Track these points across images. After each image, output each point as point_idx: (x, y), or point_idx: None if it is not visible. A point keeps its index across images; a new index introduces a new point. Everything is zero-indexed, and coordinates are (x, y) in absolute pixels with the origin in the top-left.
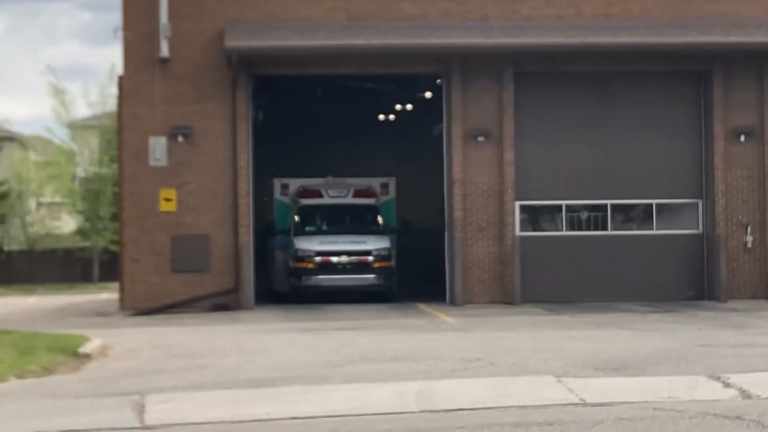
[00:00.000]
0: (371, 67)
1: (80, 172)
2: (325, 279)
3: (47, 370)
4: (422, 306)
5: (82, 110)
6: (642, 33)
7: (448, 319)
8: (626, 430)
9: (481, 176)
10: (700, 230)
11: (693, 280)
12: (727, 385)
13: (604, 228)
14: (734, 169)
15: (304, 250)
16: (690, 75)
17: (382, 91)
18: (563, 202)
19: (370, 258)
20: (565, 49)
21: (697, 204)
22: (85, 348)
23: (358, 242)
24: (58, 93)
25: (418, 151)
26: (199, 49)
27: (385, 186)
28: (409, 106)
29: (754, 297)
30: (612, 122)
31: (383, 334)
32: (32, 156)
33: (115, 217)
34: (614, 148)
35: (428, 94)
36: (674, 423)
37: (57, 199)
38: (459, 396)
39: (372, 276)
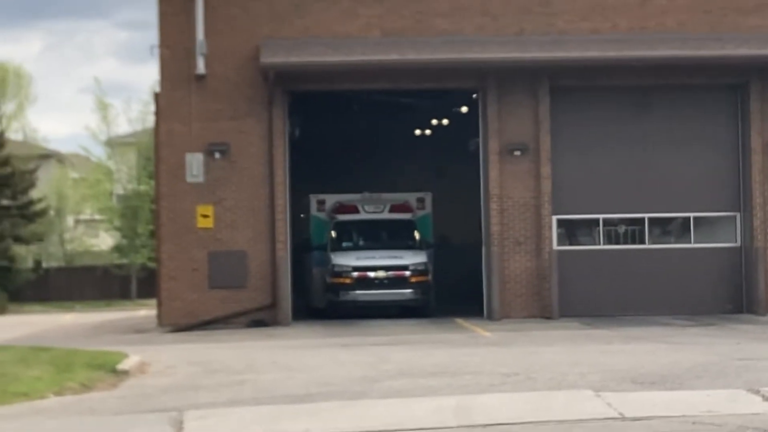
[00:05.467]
0: (406, 82)
1: (118, 189)
2: (362, 294)
3: (86, 387)
4: (460, 321)
5: (122, 127)
6: (678, 46)
7: (486, 334)
8: None
9: (518, 190)
10: (738, 243)
11: (731, 293)
12: (766, 398)
13: (642, 242)
14: None
15: (341, 266)
16: (726, 88)
17: (418, 106)
18: (600, 216)
19: (407, 273)
20: (601, 63)
21: (735, 217)
22: (124, 365)
23: (395, 257)
24: (102, 107)
25: (455, 165)
26: (235, 65)
27: (421, 201)
28: (445, 121)
29: None
30: (648, 135)
31: (421, 349)
32: (71, 173)
33: (152, 234)
34: (651, 162)
35: (464, 109)
36: None
37: (95, 216)
38: (497, 410)
39: (409, 291)
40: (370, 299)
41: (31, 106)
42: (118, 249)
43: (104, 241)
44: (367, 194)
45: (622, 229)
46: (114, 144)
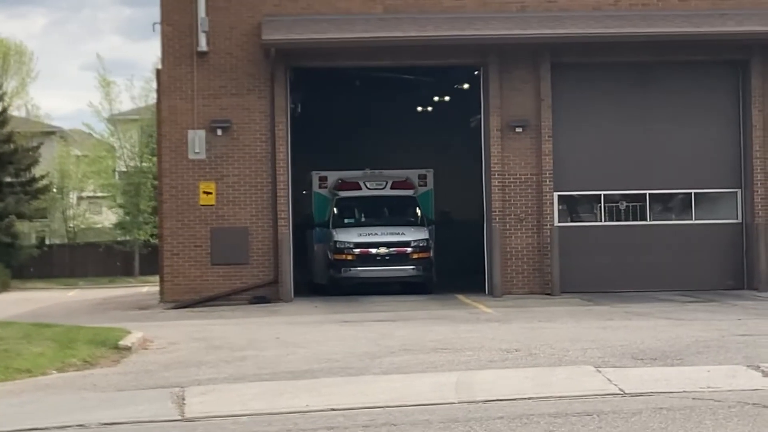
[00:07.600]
0: (409, 59)
1: (121, 166)
2: (364, 270)
3: (88, 363)
4: (461, 297)
5: (125, 104)
6: (679, 22)
7: (487, 310)
8: (665, 419)
9: (520, 167)
10: (739, 220)
11: (732, 269)
12: (766, 374)
13: (643, 218)
14: None
15: (343, 242)
16: (728, 64)
17: (420, 83)
18: (601, 192)
19: (409, 249)
20: (603, 40)
21: (736, 193)
22: (126, 341)
23: (397, 234)
24: (105, 84)
25: (456, 142)
26: (237, 42)
27: (423, 177)
28: (446, 98)
29: None
30: (650, 112)
31: (422, 325)
32: (74, 150)
33: (155, 211)
34: (652, 138)
35: (466, 86)
36: (713, 412)
37: (98, 193)
38: (498, 386)
39: (411, 267)
40: (371, 275)
41: (33, 82)
42: (120, 226)
43: (107, 217)
44: (368, 171)
45: (623, 205)
46: (116, 121)
